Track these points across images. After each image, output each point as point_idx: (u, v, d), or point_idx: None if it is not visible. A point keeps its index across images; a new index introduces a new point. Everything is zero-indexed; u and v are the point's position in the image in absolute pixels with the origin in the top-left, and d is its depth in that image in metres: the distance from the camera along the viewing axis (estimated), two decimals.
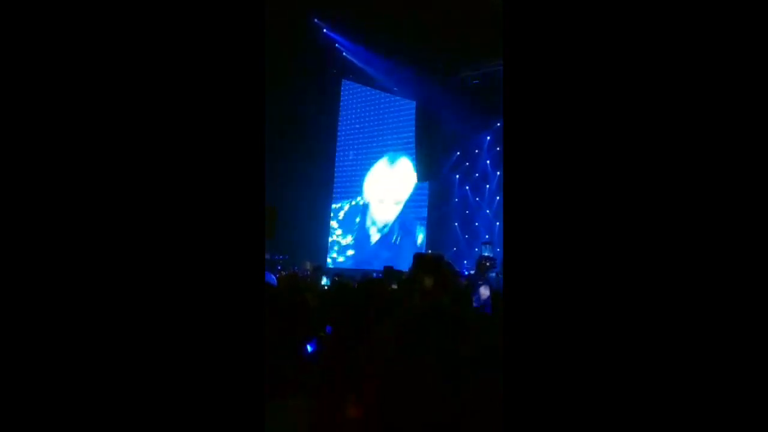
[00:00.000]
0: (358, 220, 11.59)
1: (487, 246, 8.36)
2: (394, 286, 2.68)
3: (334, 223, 11.96)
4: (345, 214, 11.92)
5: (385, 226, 11.18)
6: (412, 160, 10.84)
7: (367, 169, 11.78)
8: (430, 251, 9.72)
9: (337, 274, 4.67)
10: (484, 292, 3.44)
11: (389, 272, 3.20)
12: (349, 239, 11.69)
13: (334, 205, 12.11)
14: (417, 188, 10.88)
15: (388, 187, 11.25)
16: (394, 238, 10.99)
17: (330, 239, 11.93)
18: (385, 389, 1.26)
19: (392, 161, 11.40)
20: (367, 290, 2.16)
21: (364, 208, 11.54)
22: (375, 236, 11.30)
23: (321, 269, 4.31)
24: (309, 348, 1.88)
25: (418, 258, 2.61)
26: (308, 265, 7.13)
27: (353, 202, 11.84)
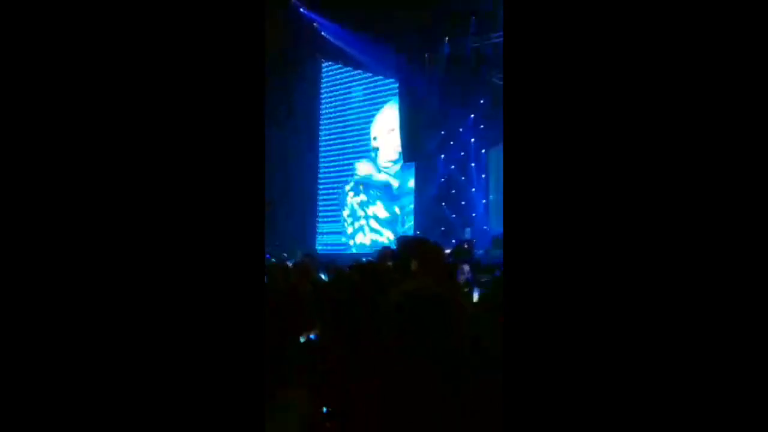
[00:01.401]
0: (350, 198, 11.46)
1: (468, 229, 8.46)
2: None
3: (345, 213, 11.83)
4: (334, 196, 11.85)
5: (394, 161, 10.91)
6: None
7: (353, 152, 11.66)
8: (418, 232, 9.74)
9: (329, 261, 4.62)
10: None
11: (383, 253, 3.19)
12: (344, 223, 11.63)
13: (321, 189, 12.02)
14: (404, 168, 10.83)
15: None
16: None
17: (319, 224, 11.89)
18: (384, 387, 1.23)
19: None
20: (362, 273, 2.17)
21: (356, 186, 11.43)
22: (382, 176, 11.11)
23: (311, 256, 4.28)
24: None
25: (401, 242, 2.61)
26: (299, 254, 7.10)
27: (343, 185, 11.74)
